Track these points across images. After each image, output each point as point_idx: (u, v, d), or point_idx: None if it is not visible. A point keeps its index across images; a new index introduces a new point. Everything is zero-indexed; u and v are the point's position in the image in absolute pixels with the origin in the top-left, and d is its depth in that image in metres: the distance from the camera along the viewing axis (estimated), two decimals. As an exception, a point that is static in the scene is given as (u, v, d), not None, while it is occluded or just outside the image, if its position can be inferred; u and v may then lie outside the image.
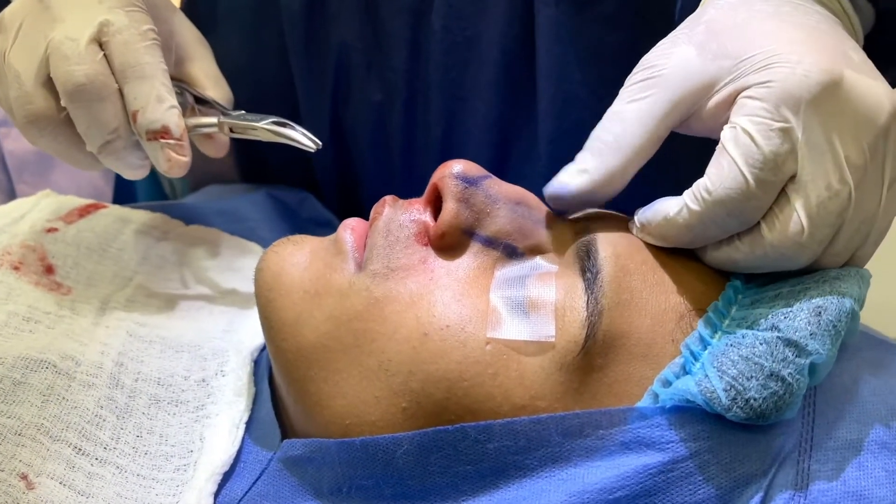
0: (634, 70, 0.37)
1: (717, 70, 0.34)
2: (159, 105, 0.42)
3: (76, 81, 0.40)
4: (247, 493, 0.37)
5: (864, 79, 0.33)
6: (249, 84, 0.69)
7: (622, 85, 0.38)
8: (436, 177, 0.38)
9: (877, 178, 0.33)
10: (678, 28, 0.38)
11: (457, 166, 0.38)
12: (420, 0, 0.57)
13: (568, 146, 0.64)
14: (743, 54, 0.34)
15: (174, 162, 0.43)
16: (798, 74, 0.32)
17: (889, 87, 0.34)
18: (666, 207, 0.35)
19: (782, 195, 0.33)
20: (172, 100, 0.43)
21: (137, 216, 0.54)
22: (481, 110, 0.60)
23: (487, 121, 0.60)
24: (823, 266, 0.35)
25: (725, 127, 0.34)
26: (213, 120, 0.47)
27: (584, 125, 0.38)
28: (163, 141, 0.42)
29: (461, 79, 0.59)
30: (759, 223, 0.33)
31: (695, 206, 0.34)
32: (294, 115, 0.68)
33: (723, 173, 0.33)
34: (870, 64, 0.35)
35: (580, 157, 0.37)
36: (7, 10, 0.43)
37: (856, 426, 0.33)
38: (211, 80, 0.51)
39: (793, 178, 0.32)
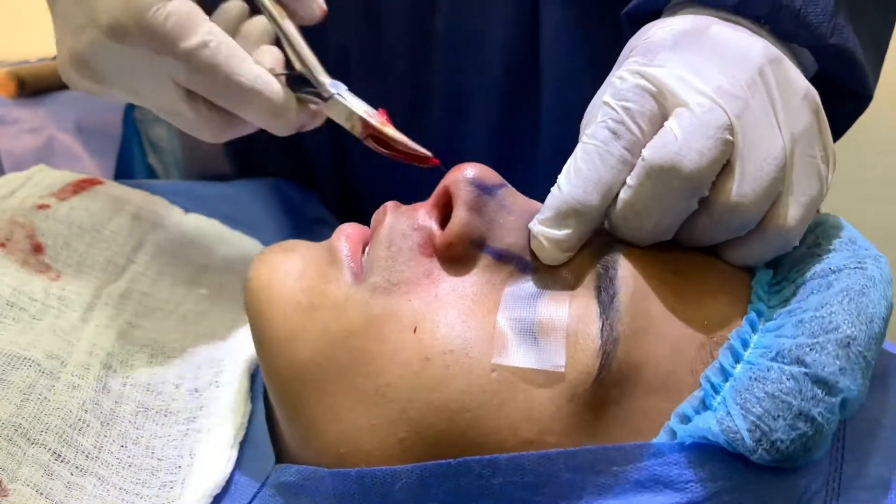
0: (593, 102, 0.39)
1: None
2: None
3: None
4: None
5: (737, 31, 0.36)
6: None
7: None
8: (448, 180, 0.36)
9: (767, 119, 0.33)
10: None
11: (471, 170, 0.35)
12: (421, 3, 0.55)
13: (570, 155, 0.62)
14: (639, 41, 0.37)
15: None
16: (665, 29, 0.36)
17: (769, 46, 0.35)
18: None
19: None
20: None
21: (135, 197, 0.51)
22: (483, 116, 0.59)
23: (490, 126, 0.59)
24: (742, 211, 0.33)
25: None
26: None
27: None
28: None
29: (463, 83, 0.57)
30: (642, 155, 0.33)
31: (576, 151, 0.35)
32: None
33: (598, 115, 0.35)
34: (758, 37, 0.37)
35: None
36: None
37: (887, 463, 0.32)
38: None
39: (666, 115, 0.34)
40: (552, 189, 0.35)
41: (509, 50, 0.55)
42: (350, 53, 0.59)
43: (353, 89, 0.62)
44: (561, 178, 0.34)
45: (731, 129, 0.32)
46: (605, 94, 0.34)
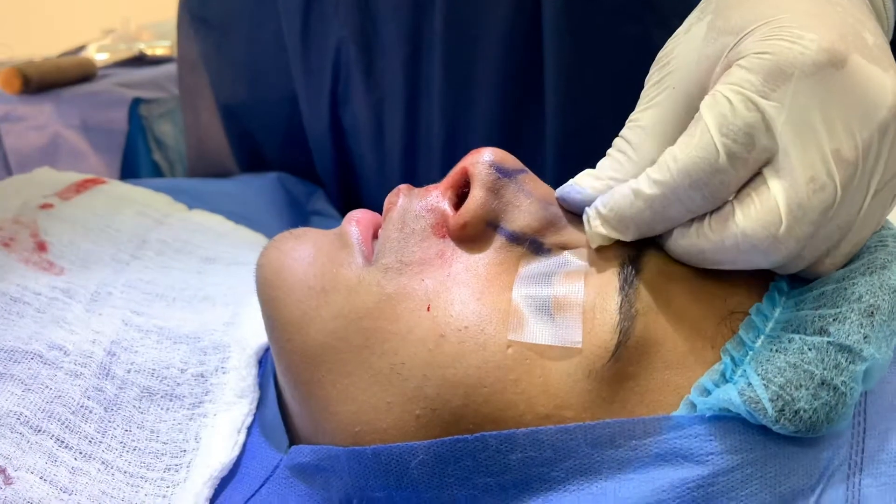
0: (651, 67, 0.35)
1: (721, 48, 0.32)
2: None
3: None
4: (249, 500, 0.35)
5: (872, 66, 0.30)
6: (250, 80, 0.68)
7: (636, 81, 0.35)
8: (467, 161, 0.36)
9: (863, 182, 0.30)
10: (696, 8, 0.35)
11: (491, 154, 0.35)
12: None
13: (576, 146, 0.62)
14: (746, 27, 0.31)
15: None
16: (795, 49, 0.29)
17: None
18: (628, 185, 0.32)
19: (759, 178, 0.30)
20: None
21: (138, 195, 0.52)
22: (485, 109, 0.58)
23: (492, 119, 0.59)
24: (783, 270, 0.32)
25: (707, 94, 0.31)
26: None
27: (594, 124, 0.36)
28: None
29: (464, 76, 0.57)
30: (733, 208, 0.30)
31: (658, 176, 0.31)
32: (294, 111, 0.67)
33: (693, 140, 0.30)
34: (886, 50, 0.31)
35: (600, 164, 0.35)
36: None
37: None
38: None
39: (771, 161, 0.29)
40: (626, 187, 0.32)
41: (511, 41, 0.55)
42: (350, 48, 0.59)
43: (353, 83, 0.63)
44: (639, 183, 0.32)
45: (831, 209, 0.29)
46: (705, 105, 0.30)
